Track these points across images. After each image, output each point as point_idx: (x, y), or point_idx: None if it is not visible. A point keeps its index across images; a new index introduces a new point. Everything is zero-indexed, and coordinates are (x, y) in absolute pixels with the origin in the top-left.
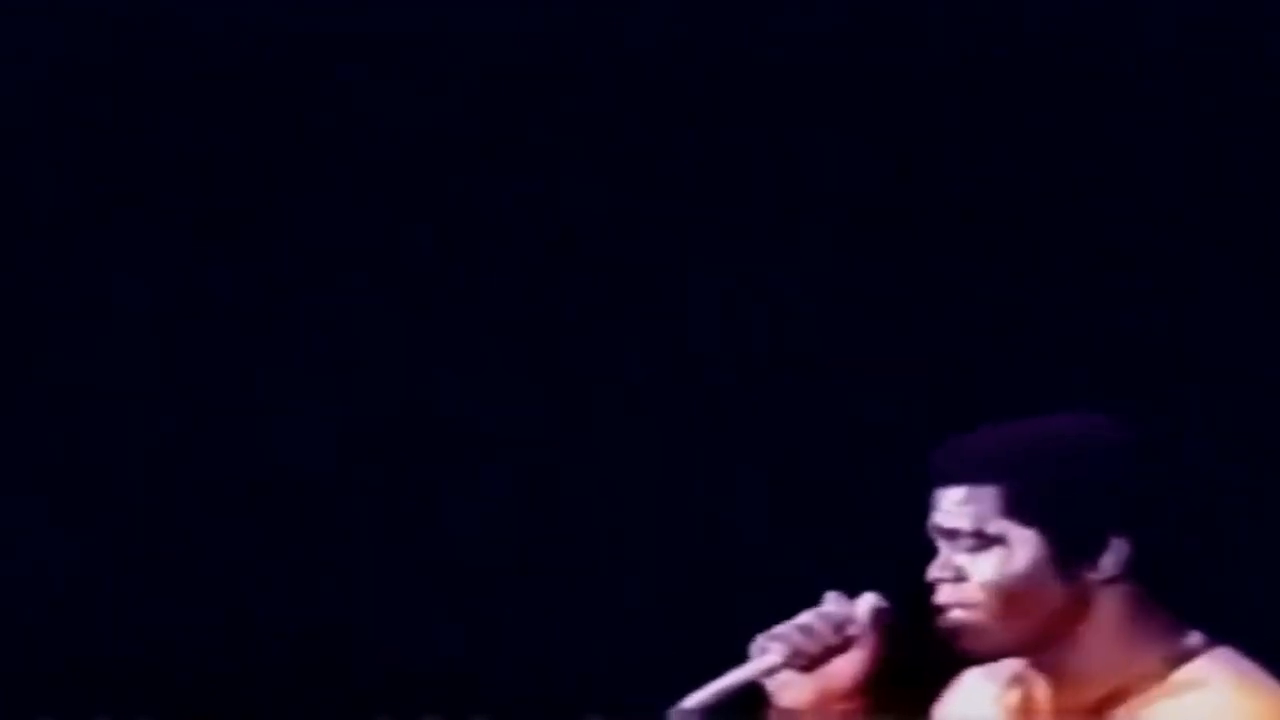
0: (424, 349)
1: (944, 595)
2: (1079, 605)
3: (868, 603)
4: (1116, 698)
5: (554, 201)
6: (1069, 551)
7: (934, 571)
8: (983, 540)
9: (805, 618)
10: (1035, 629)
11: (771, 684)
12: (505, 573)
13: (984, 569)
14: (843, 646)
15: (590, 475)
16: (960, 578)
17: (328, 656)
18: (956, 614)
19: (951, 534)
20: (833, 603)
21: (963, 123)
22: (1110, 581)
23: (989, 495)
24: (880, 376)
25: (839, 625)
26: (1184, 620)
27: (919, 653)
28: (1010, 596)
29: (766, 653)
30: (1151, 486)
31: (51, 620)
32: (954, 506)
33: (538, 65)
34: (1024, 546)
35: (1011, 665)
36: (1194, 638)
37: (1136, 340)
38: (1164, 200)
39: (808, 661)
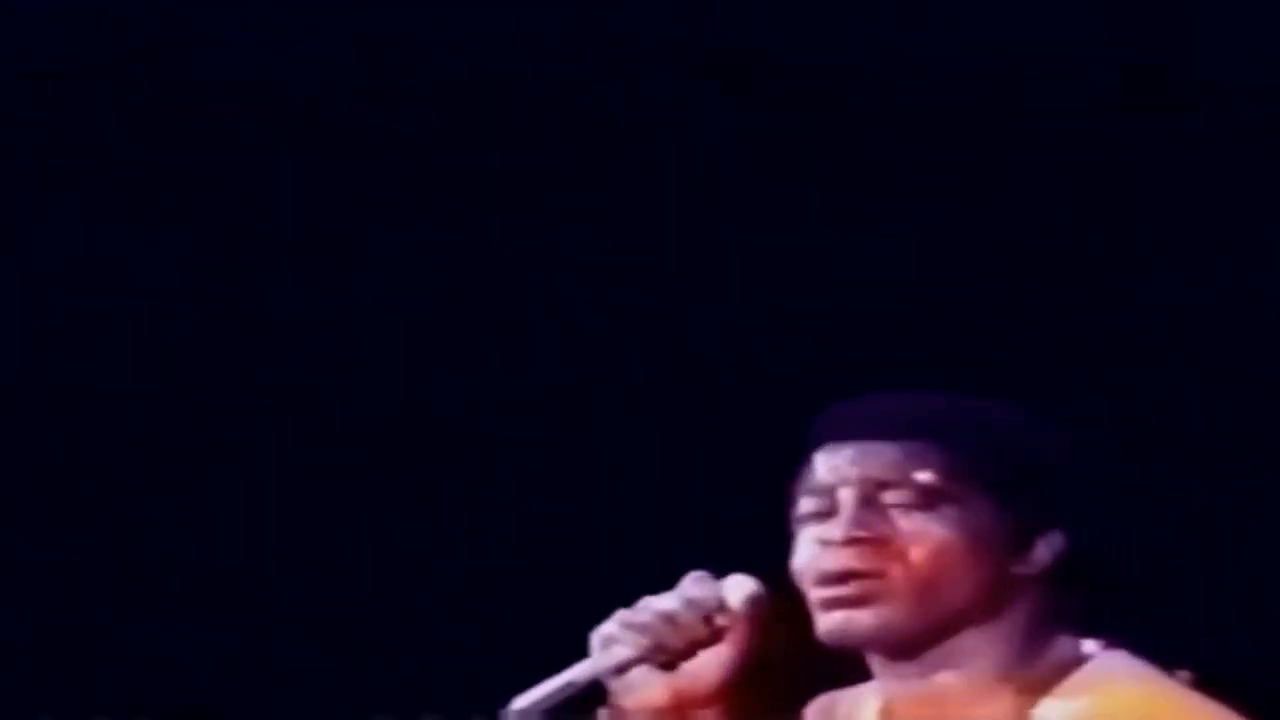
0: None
1: (849, 559)
2: (995, 597)
3: (741, 587)
4: (1006, 701)
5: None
6: (1008, 533)
7: (840, 530)
8: (927, 496)
9: (667, 603)
10: (949, 614)
11: (616, 682)
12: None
13: (926, 529)
14: (710, 639)
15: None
16: (881, 538)
17: (328, 657)
18: (866, 584)
19: (875, 485)
20: (698, 585)
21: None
22: (1030, 577)
23: (933, 449)
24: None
25: (707, 614)
26: (1090, 624)
27: (794, 648)
28: (944, 566)
29: (614, 644)
30: (1097, 485)
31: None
32: (885, 454)
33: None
34: (973, 511)
35: (869, 691)
36: (1088, 641)
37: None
38: (1092, 198)
39: (668, 657)
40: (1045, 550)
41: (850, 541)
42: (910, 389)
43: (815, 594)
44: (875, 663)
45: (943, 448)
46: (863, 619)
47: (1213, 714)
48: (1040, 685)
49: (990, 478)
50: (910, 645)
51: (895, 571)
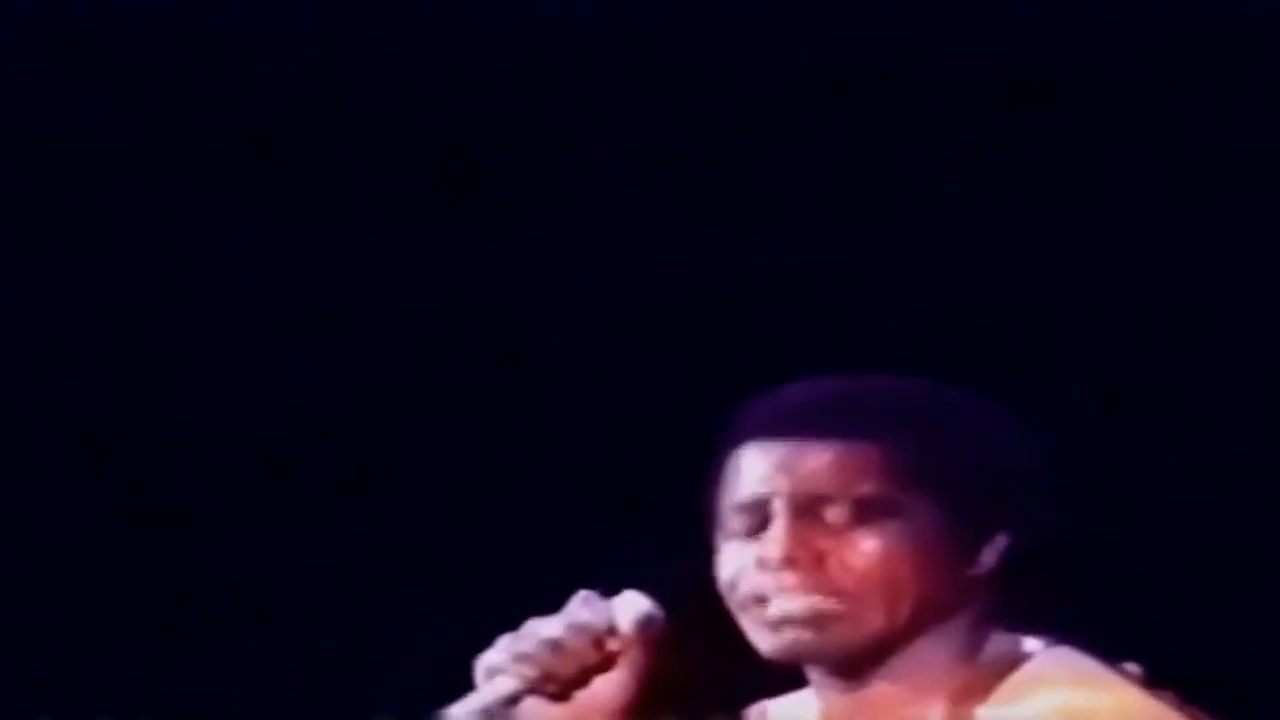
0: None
1: (790, 580)
2: (943, 602)
3: (633, 607)
4: (953, 703)
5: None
6: (957, 534)
7: (778, 549)
8: (870, 508)
9: (553, 629)
10: (898, 626)
11: (505, 715)
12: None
13: (868, 544)
14: (602, 665)
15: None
16: (823, 557)
17: (327, 657)
18: (815, 604)
19: (813, 501)
20: (586, 607)
21: None
22: (977, 580)
23: (873, 455)
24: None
25: (597, 638)
26: (1037, 621)
27: (694, 668)
28: (892, 580)
29: (499, 675)
30: (1040, 476)
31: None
32: (821, 465)
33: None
34: (917, 518)
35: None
36: (1031, 639)
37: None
38: (1029, 194)
39: (559, 687)
40: (993, 550)
41: (789, 563)
42: (835, 373)
43: (756, 614)
44: (815, 673)
45: (884, 451)
46: (814, 639)
47: (1151, 711)
48: (981, 686)
49: (936, 482)
50: (863, 659)
51: (842, 590)
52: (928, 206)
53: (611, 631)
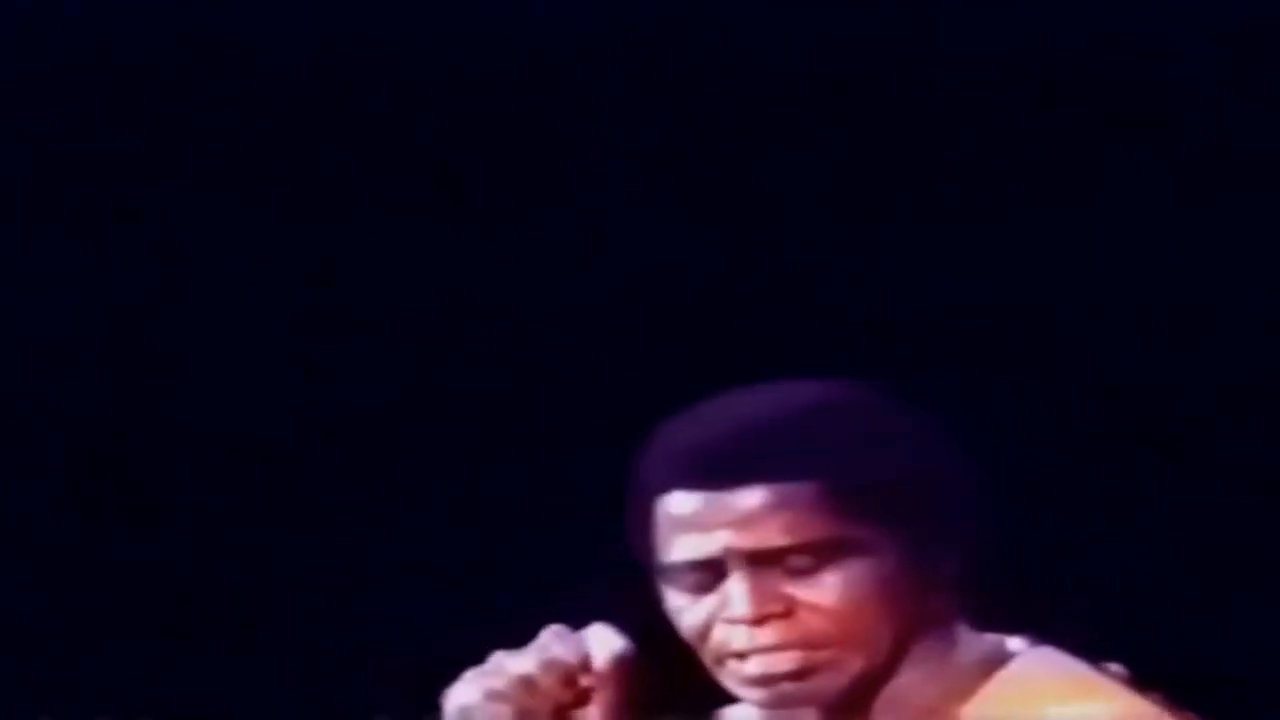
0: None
1: (763, 637)
2: (916, 620)
3: (606, 644)
4: (935, 713)
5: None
6: (918, 553)
7: (747, 608)
8: (827, 552)
9: (524, 665)
10: (883, 659)
11: None
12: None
13: (835, 589)
14: (575, 702)
15: None
16: (793, 609)
17: (327, 657)
18: (799, 657)
19: (770, 555)
20: (557, 642)
21: None
22: (940, 591)
23: (813, 492)
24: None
25: (570, 675)
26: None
27: (665, 704)
28: (867, 618)
29: (471, 714)
30: (970, 471)
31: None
32: (768, 517)
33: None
34: (878, 550)
35: None
36: (1005, 640)
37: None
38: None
39: None
40: (950, 556)
41: (760, 620)
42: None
43: (735, 668)
44: (807, 714)
45: (827, 488)
46: (801, 689)
47: (1136, 711)
48: (960, 690)
49: (886, 506)
50: (856, 698)
51: (820, 640)
52: (928, 206)
53: (585, 667)
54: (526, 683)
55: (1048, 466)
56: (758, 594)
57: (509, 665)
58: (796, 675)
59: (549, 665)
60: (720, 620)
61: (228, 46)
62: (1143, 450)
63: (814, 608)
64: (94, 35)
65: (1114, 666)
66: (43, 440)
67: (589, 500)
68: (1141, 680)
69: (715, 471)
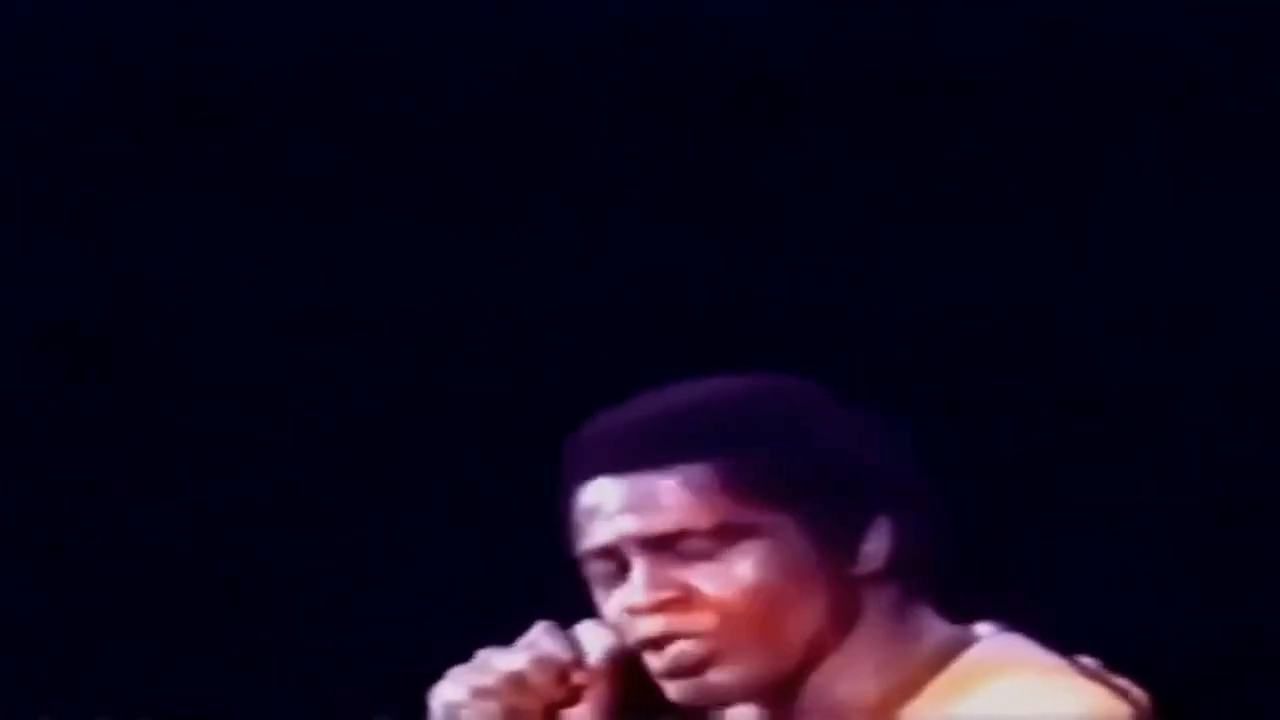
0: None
1: (661, 625)
2: (842, 610)
3: (599, 640)
4: (888, 705)
5: None
6: (830, 539)
7: (643, 595)
8: (725, 536)
9: (515, 662)
10: (796, 649)
11: None
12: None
13: (734, 574)
14: (567, 700)
15: None
16: (691, 595)
17: (327, 657)
18: (690, 647)
19: (663, 540)
20: (547, 639)
21: None
22: (873, 577)
23: (710, 476)
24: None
25: (562, 672)
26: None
27: (655, 702)
28: (771, 605)
29: (459, 711)
30: (905, 458)
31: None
32: (662, 500)
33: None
34: (781, 535)
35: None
36: (965, 627)
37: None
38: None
39: None
40: (877, 542)
41: (659, 607)
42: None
43: (647, 661)
44: (752, 709)
45: (727, 470)
46: (708, 682)
47: (1101, 706)
48: (911, 682)
49: (789, 490)
50: (775, 688)
51: (720, 626)
52: (928, 206)
53: (577, 664)
54: (516, 680)
55: (1044, 465)
56: (652, 580)
57: (498, 662)
58: (696, 667)
59: (540, 662)
60: (624, 610)
61: (228, 46)
62: (1143, 448)
63: (711, 594)
64: (94, 35)
65: (1086, 659)
66: (43, 440)
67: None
68: (1114, 671)
69: (620, 459)
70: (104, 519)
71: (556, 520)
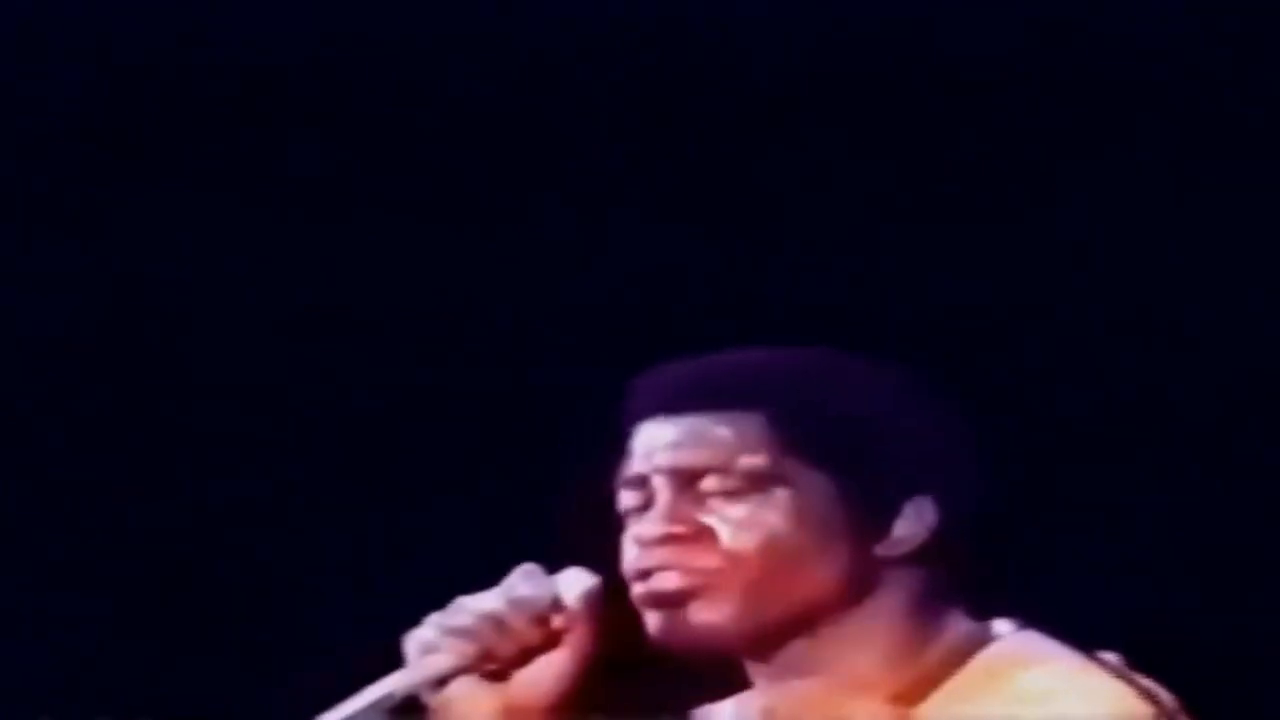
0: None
1: (665, 557)
2: (855, 586)
3: (578, 583)
4: (905, 699)
5: None
6: (864, 510)
7: (655, 526)
8: (754, 481)
9: (492, 604)
10: (785, 607)
11: (436, 696)
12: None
13: (754, 518)
14: (545, 644)
15: None
16: (702, 533)
17: (327, 657)
18: (686, 581)
19: (693, 475)
20: (527, 581)
21: None
22: (902, 557)
23: (756, 424)
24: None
25: (540, 614)
26: (985, 602)
27: (638, 651)
28: (778, 557)
29: (433, 652)
30: (964, 447)
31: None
32: (702, 438)
33: None
34: (813, 493)
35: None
36: (984, 624)
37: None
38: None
39: (497, 665)
40: (912, 525)
41: (666, 539)
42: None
43: (632, 589)
44: (748, 668)
45: (768, 420)
46: (682, 617)
47: (1127, 704)
48: (928, 678)
49: (825, 448)
50: (755, 646)
51: (720, 567)
52: (928, 206)
53: (556, 607)
54: (495, 621)
55: (1044, 465)
56: (670, 514)
57: (474, 604)
58: (678, 597)
59: (518, 604)
60: (638, 545)
61: (227, 46)
62: (1143, 446)
63: (724, 537)
64: (94, 35)
65: (1109, 656)
66: (42, 440)
67: (589, 500)
68: (1137, 669)
69: (676, 401)
70: (104, 519)
71: (556, 520)
